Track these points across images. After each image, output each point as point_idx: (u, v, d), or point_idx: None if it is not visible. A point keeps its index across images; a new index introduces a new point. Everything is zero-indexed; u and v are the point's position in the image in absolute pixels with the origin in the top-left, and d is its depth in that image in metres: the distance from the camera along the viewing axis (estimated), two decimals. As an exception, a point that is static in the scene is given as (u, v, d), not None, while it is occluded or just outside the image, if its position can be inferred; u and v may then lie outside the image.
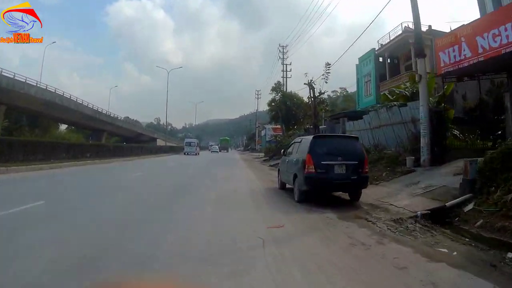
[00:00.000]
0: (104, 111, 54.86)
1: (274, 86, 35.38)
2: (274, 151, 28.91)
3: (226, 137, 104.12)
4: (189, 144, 50.26)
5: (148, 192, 9.08)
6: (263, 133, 76.12)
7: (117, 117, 61.43)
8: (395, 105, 14.43)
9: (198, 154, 47.35)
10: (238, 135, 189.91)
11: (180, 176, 14.57)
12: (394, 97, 16.84)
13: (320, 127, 22.90)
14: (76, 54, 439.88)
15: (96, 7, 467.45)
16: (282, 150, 11.89)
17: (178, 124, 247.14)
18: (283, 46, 37.30)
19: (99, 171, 16.01)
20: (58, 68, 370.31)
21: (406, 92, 16.23)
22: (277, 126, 77.69)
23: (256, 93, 71.93)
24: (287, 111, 33.13)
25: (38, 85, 38.42)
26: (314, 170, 7.37)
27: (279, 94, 34.45)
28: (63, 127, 55.63)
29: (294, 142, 9.51)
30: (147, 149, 39.10)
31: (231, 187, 10.58)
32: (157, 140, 71.37)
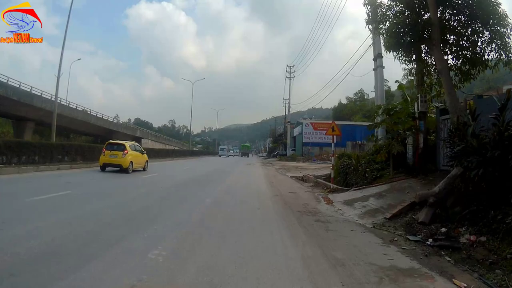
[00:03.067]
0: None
1: None
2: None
3: (247, 144, 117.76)
4: (222, 149, 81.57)
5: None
6: (296, 131, 51.64)
7: (40, 93, 33.70)
8: None
9: (228, 156, 69.24)
10: (260, 139, 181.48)
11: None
12: None
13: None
14: (97, 58, 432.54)
15: (116, 10, 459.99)
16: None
17: (196, 128, 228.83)
18: None
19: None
20: (78, 71, 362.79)
21: None
22: (322, 121, 53.11)
23: (288, 70, 47.69)
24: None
25: None
26: None
27: None
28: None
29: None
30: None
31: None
32: (142, 140, 49.02)
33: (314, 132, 49.33)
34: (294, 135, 51.88)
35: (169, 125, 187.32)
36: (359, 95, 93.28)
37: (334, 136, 12.06)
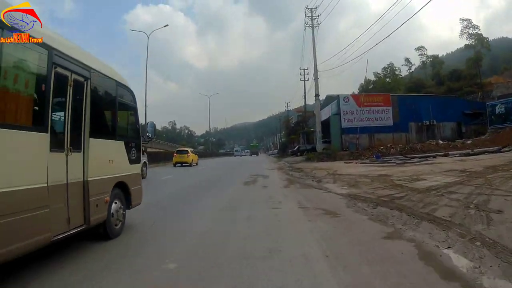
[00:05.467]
0: None
1: None
2: None
3: (255, 143, 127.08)
4: (237, 151, 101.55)
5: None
6: (325, 113, 32.27)
7: None
8: None
9: (241, 156, 79.33)
10: (268, 136, 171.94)
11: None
12: None
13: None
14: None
15: (114, 17, 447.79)
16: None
17: (201, 129, 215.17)
18: None
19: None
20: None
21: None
22: (368, 94, 34.73)
23: (309, 15, 28.35)
24: None
25: None
26: None
27: None
28: None
29: None
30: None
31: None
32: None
33: (358, 110, 30.06)
34: (322, 119, 32.60)
35: (169, 127, 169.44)
36: (388, 70, 73.35)
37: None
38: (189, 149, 29.64)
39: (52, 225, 3.22)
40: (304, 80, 38.70)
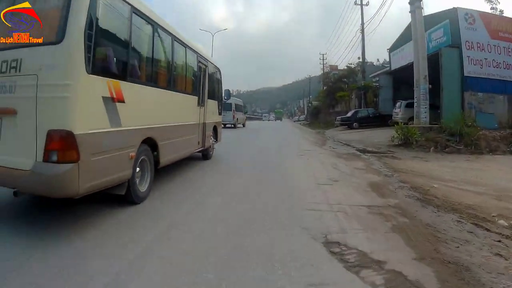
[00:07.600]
0: None
1: None
2: None
3: (280, 110, 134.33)
4: (265, 116, 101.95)
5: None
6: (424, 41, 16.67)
7: None
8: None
9: (269, 120, 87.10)
10: (293, 101, 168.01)
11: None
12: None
13: None
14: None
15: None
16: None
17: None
18: None
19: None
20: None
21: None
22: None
23: None
24: None
25: None
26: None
27: None
28: None
29: None
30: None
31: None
32: None
33: (491, 44, 15.91)
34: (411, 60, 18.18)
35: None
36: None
37: None
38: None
39: (195, 144, 7.08)
40: (362, 4, 25.78)
